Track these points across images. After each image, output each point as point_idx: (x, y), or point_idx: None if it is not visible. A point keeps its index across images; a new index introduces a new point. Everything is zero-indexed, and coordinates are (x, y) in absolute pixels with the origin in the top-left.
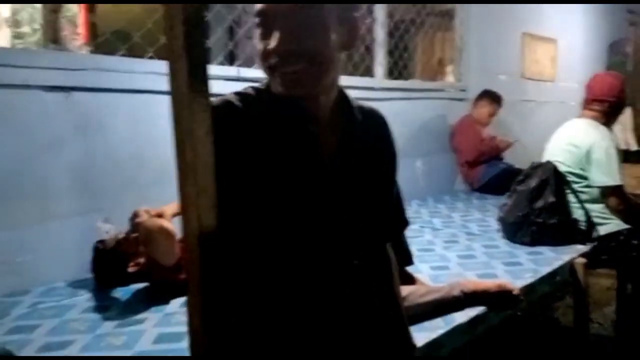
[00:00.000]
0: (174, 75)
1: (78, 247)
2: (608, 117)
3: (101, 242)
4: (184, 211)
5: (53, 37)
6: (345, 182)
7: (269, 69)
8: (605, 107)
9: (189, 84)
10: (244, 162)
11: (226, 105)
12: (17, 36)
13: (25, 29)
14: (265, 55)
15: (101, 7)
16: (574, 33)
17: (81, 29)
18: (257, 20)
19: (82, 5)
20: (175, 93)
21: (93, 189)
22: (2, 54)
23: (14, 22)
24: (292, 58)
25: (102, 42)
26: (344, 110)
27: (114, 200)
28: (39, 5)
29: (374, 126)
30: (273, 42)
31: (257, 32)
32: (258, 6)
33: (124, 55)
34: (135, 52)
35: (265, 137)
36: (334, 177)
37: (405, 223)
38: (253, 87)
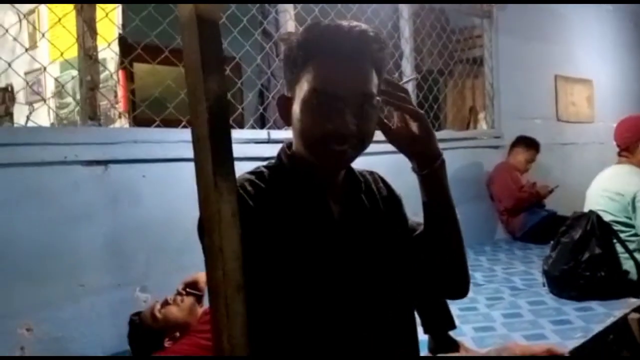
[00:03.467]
0: (199, 160)
1: (114, 320)
2: None
3: (137, 314)
4: (211, 294)
5: (91, 113)
6: (359, 244)
7: (318, 142)
8: (632, 151)
9: (214, 169)
10: (269, 237)
11: (249, 184)
12: (60, 107)
13: (68, 99)
14: (322, 131)
15: (138, 77)
16: (609, 72)
17: (121, 99)
18: (315, 95)
19: (121, 76)
20: (201, 178)
21: (126, 258)
22: (43, 133)
23: (58, 94)
24: (348, 140)
25: (140, 111)
26: (348, 175)
27: (147, 268)
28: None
29: (373, 183)
30: (336, 124)
31: (308, 103)
32: (321, 84)
33: (158, 125)
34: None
35: (286, 211)
36: (349, 240)
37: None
38: (265, 166)
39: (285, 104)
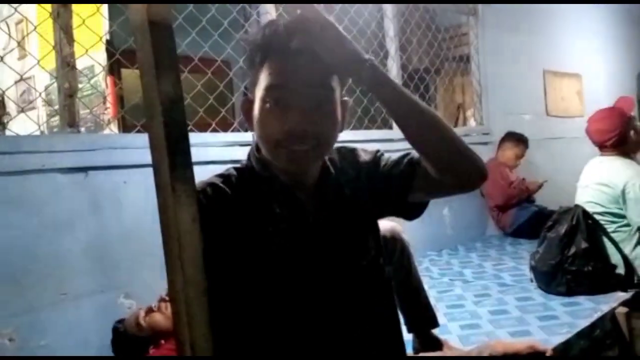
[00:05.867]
0: (156, 163)
1: (98, 326)
2: (625, 151)
3: (121, 322)
4: (172, 301)
5: (70, 120)
6: (334, 238)
7: (277, 144)
8: (611, 146)
9: (171, 173)
10: (230, 242)
11: (210, 188)
12: (52, 114)
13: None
14: (279, 132)
15: (127, 82)
16: (599, 66)
17: (110, 104)
18: (269, 93)
19: (110, 82)
20: (158, 182)
21: (109, 264)
22: (19, 141)
23: (49, 101)
24: (306, 138)
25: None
26: (324, 170)
27: (130, 274)
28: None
29: (346, 163)
30: (292, 122)
31: (264, 104)
32: (274, 80)
33: (139, 131)
34: None
35: (252, 214)
36: (322, 236)
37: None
38: (235, 168)
39: (248, 107)
